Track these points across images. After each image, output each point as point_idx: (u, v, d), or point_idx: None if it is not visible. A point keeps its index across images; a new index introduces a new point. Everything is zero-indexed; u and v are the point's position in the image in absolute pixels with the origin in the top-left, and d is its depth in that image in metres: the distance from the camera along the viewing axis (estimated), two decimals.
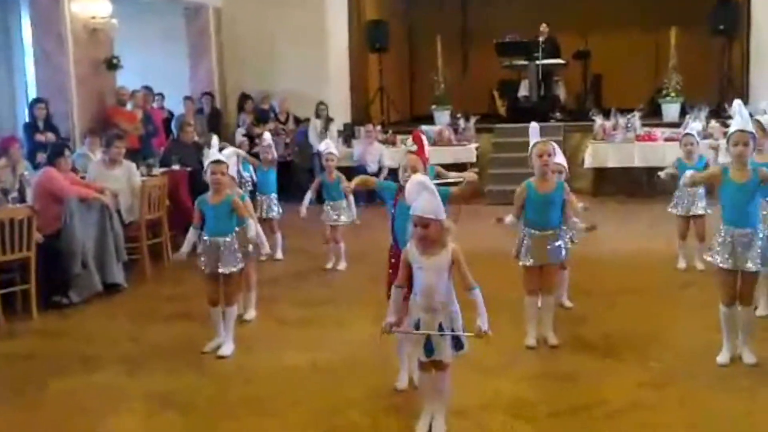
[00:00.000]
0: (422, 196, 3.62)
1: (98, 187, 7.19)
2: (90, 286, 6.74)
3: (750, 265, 4.57)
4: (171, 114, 12.32)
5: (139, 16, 12.27)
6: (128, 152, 8.63)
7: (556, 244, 5.10)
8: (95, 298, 6.76)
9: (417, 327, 3.75)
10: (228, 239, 5.23)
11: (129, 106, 10.87)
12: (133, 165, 7.99)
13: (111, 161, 7.71)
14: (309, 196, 7.54)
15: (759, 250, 4.58)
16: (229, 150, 6.11)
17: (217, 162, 5.23)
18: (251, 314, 6.01)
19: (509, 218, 5.16)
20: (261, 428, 4.11)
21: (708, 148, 7.68)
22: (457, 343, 3.76)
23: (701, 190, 6.91)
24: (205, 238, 5.24)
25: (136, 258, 7.60)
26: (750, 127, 4.65)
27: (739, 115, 4.71)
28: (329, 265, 7.65)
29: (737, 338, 4.73)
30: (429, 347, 3.76)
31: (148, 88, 11.74)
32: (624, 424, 4.00)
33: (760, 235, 4.61)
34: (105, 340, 5.77)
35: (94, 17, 10.38)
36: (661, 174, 7.29)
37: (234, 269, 5.25)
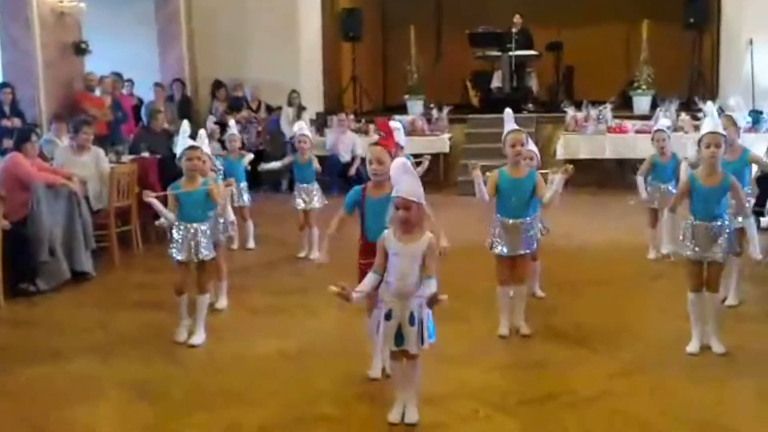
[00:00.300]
0: (404, 178, 3.64)
1: (66, 174, 7.08)
2: (58, 274, 6.63)
3: (713, 255, 4.66)
4: (140, 101, 12.17)
5: (108, 1, 12.07)
6: (96, 138, 8.50)
7: (530, 233, 5.11)
8: (63, 286, 6.65)
9: (388, 318, 3.74)
10: (204, 226, 5.18)
11: (97, 92, 10.72)
12: (102, 151, 7.87)
13: (79, 147, 7.59)
14: (277, 163, 7.85)
15: (724, 241, 4.64)
16: (201, 131, 6.04)
17: (193, 148, 5.18)
18: (223, 303, 5.96)
19: (480, 178, 5.12)
20: (234, 418, 4.07)
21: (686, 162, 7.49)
22: (422, 337, 3.74)
23: (671, 185, 6.98)
24: (180, 224, 5.15)
25: (104, 246, 7.49)
26: (722, 129, 4.68)
27: (711, 117, 4.75)
28: (302, 254, 7.59)
29: (706, 327, 4.78)
30: (399, 337, 3.75)
31: (117, 74, 11.58)
32: (594, 412, 4.02)
33: (727, 224, 4.66)
34: (74, 328, 5.69)
35: (61, 1, 10.20)
36: (631, 201, 7.30)
37: (210, 256, 5.21)
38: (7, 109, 9.24)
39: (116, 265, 7.48)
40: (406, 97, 13.37)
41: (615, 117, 11.62)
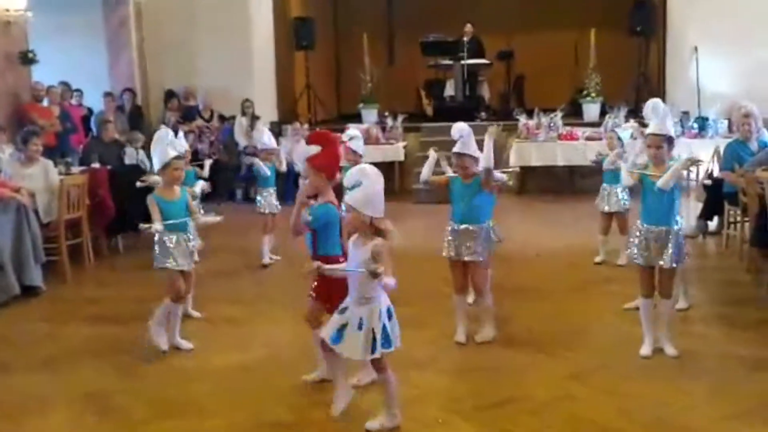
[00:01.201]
0: (357, 187, 3.70)
1: (13, 186, 6.91)
2: (6, 289, 6.47)
3: (663, 262, 4.72)
4: (90, 111, 11.97)
5: (56, 8, 11.82)
6: (45, 150, 8.31)
7: (482, 240, 5.14)
8: (12, 300, 6.50)
9: (341, 311, 3.79)
10: (189, 234, 5.18)
11: (45, 102, 10.51)
12: (51, 163, 7.70)
13: (28, 159, 7.41)
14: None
15: (673, 248, 4.69)
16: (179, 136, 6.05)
17: (179, 157, 5.21)
18: (196, 313, 5.91)
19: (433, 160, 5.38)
20: (190, 429, 4.02)
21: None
22: (374, 347, 3.73)
23: (622, 188, 7.10)
24: (172, 234, 5.08)
25: (55, 259, 7.33)
26: (665, 129, 4.75)
27: (654, 116, 4.81)
28: (266, 260, 7.59)
29: (658, 331, 4.87)
30: (336, 335, 3.77)
31: (65, 84, 11.37)
32: (552, 415, 4.07)
33: (677, 229, 4.73)
34: (23, 342, 5.57)
35: (7, 9, 9.97)
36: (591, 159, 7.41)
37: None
38: None
39: (67, 278, 7.33)
40: (361, 105, 13.39)
41: (565, 124, 11.78)
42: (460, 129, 5.22)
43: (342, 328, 3.78)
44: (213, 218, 5.33)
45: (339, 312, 3.81)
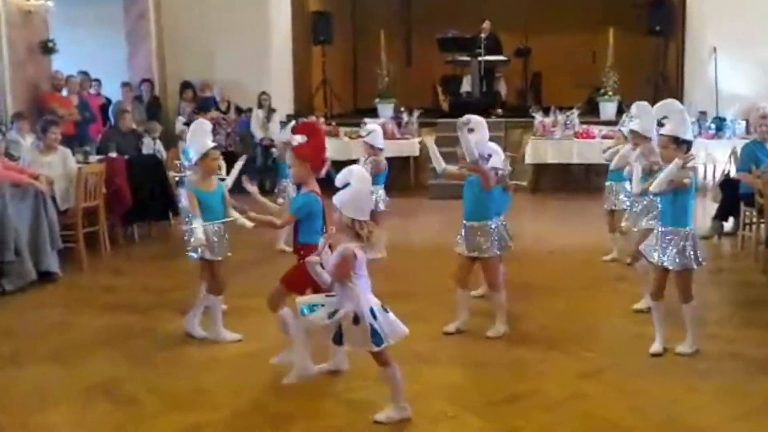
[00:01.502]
0: (345, 188, 3.81)
1: (33, 173, 6.99)
2: (23, 274, 6.55)
3: (668, 263, 4.67)
4: (108, 101, 12.04)
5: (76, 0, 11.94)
6: (64, 138, 8.40)
7: (492, 237, 5.14)
8: (29, 286, 6.57)
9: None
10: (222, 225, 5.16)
11: (64, 92, 10.59)
12: (69, 151, 7.78)
13: (47, 147, 7.50)
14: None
15: (682, 249, 4.62)
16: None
17: (216, 148, 5.28)
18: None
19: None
20: (203, 418, 4.05)
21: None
22: (375, 337, 3.74)
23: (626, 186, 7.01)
24: (211, 224, 5.05)
25: (71, 246, 7.40)
26: (644, 128, 4.68)
27: (640, 116, 4.76)
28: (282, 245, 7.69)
29: (667, 329, 4.84)
30: (338, 336, 3.83)
31: (85, 74, 11.46)
32: (564, 412, 4.07)
33: (688, 231, 4.64)
34: (39, 328, 5.62)
35: (28, 0, 10.06)
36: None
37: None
38: None
39: (83, 266, 7.40)
40: (377, 100, 13.40)
41: (582, 122, 11.75)
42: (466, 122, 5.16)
43: (317, 307, 3.83)
44: (246, 221, 5.24)
45: (327, 295, 3.88)
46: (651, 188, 4.64)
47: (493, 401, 4.20)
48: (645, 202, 5.51)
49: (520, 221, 9.53)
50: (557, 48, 14.70)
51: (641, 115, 5.56)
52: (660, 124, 5.28)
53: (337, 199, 3.79)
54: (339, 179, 3.84)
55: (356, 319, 3.74)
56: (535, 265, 7.21)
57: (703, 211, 9.86)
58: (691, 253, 4.66)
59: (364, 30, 16.07)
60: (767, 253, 6.66)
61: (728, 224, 8.40)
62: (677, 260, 4.64)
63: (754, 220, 7.44)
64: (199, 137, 5.20)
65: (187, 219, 5.85)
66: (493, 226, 5.16)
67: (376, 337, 3.75)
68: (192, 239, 5.05)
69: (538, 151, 11.52)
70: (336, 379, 4.46)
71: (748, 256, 7.44)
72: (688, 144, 4.68)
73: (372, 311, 3.76)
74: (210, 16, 12.74)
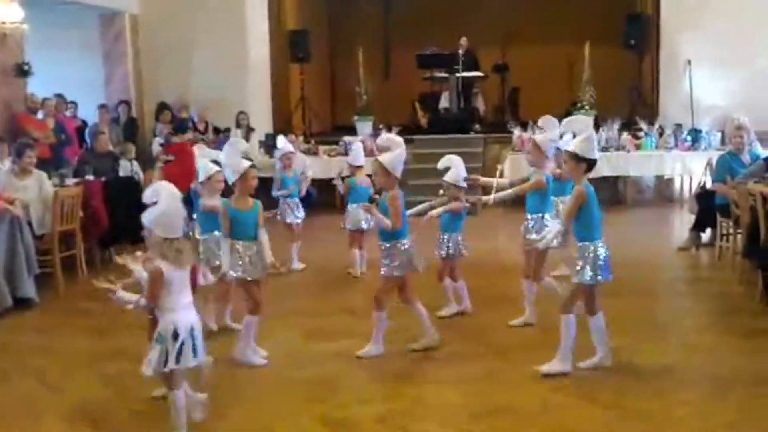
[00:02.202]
0: (153, 206, 3.90)
1: (8, 198, 6.91)
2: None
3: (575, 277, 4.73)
4: (85, 123, 11.99)
5: (52, 21, 11.88)
6: (40, 162, 8.31)
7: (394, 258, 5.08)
8: (5, 312, 6.48)
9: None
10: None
11: (40, 115, 10.52)
12: (45, 175, 7.70)
13: (22, 171, 7.42)
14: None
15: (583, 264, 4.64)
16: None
17: (253, 166, 5.23)
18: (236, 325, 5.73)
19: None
20: None
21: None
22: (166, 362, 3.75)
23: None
24: (246, 243, 5.02)
25: (48, 271, 7.32)
26: (570, 147, 4.67)
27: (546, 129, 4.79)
28: (298, 266, 7.84)
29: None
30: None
31: (60, 96, 11.39)
32: (542, 425, 4.06)
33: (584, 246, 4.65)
34: (15, 354, 5.55)
35: (3, 22, 10.01)
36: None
37: None
38: None
39: (60, 291, 7.32)
40: (356, 118, 13.43)
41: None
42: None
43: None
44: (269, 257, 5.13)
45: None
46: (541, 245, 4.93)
47: (478, 414, 4.18)
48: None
49: (500, 235, 9.57)
50: (534, 63, 14.83)
51: (546, 129, 5.73)
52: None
53: (145, 218, 3.81)
54: (146, 196, 3.85)
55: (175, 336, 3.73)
56: (513, 280, 7.20)
57: (681, 222, 9.95)
58: (590, 267, 4.62)
59: (341, 47, 16.15)
60: (744, 264, 6.70)
61: (706, 235, 8.46)
62: (581, 275, 4.64)
63: (731, 230, 7.49)
64: (235, 157, 5.17)
65: (204, 234, 5.81)
66: (401, 247, 5.05)
67: (178, 355, 3.73)
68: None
69: (517, 166, 11.55)
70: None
71: (725, 267, 7.49)
72: (590, 162, 4.61)
73: (176, 332, 3.73)
74: (187, 36, 12.74)
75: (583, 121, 5.04)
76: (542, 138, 5.63)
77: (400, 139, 5.17)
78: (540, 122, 5.77)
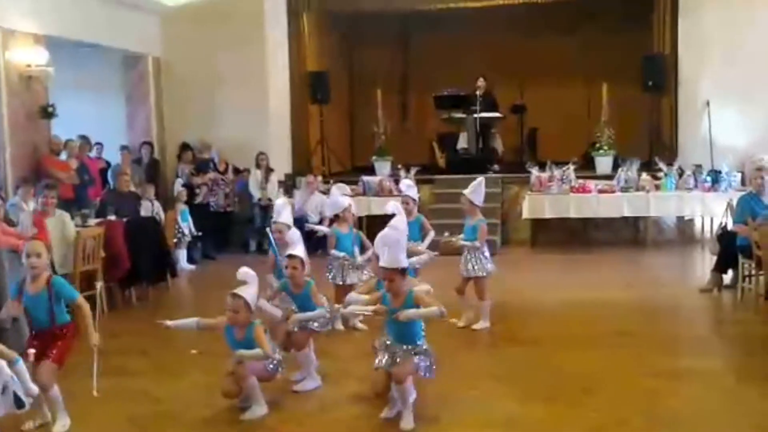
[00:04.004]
0: None
1: (28, 238, 6.98)
2: (20, 341, 6.46)
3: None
4: (109, 164, 12.14)
5: (76, 63, 12.12)
6: (62, 202, 8.43)
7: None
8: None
9: None
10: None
11: (63, 156, 10.67)
12: (67, 215, 7.80)
13: (43, 212, 7.52)
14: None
15: None
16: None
17: (292, 256, 5.51)
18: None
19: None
20: None
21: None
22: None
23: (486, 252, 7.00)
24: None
25: (68, 311, 7.33)
26: (396, 261, 4.67)
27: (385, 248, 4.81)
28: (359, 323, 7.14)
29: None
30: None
31: (84, 138, 11.56)
32: None
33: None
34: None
35: (29, 65, 10.20)
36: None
37: None
38: None
39: (80, 329, 7.33)
40: (374, 158, 13.50)
41: (578, 177, 11.82)
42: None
43: None
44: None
45: None
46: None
47: None
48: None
49: (520, 275, 9.54)
50: (552, 103, 14.87)
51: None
52: None
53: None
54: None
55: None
56: (535, 320, 7.17)
57: (702, 263, 9.86)
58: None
59: (360, 89, 16.29)
60: (767, 305, 6.62)
61: (728, 276, 8.37)
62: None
63: (753, 271, 7.42)
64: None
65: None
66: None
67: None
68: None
69: (535, 206, 11.55)
70: None
71: (748, 308, 7.41)
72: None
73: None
74: (208, 78, 12.93)
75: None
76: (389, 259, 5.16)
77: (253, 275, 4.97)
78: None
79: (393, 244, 4.71)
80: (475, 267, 6.82)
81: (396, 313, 4.58)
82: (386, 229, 4.90)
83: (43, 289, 4.82)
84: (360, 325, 6.79)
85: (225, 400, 5.08)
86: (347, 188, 7.85)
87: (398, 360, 4.62)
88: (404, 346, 4.63)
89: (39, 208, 7.61)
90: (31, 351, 4.54)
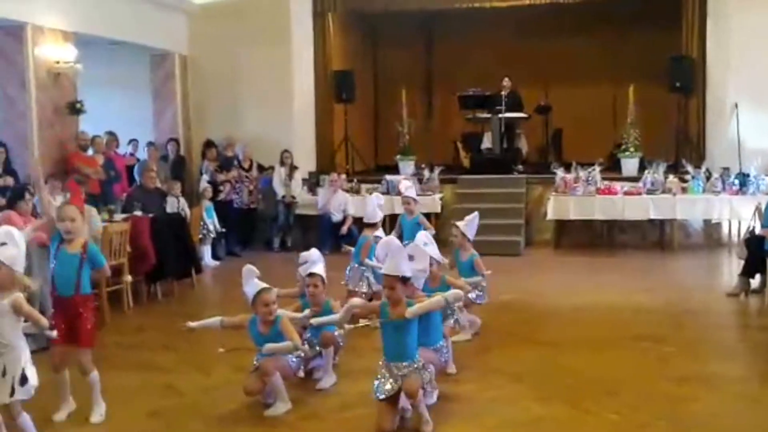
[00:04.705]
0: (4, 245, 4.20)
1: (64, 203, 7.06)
2: (41, 338, 6.55)
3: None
4: (139, 161, 12.25)
5: (103, 60, 12.25)
6: (89, 197, 8.51)
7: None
8: (51, 345, 6.56)
9: None
10: None
11: (90, 152, 10.78)
12: (94, 210, 7.88)
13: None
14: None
15: None
16: None
17: (312, 275, 5.57)
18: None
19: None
20: None
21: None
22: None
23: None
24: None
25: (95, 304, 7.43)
26: (398, 269, 4.61)
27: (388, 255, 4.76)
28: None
29: None
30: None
31: (111, 134, 11.68)
32: None
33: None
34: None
35: (58, 62, 10.32)
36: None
37: None
38: None
39: (106, 323, 7.43)
40: (398, 157, 13.51)
41: (604, 179, 11.74)
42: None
43: None
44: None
45: None
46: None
47: None
48: None
49: (543, 277, 9.51)
50: (578, 104, 14.78)
51: (470, 224, 6.72)
52: None
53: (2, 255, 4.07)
54: None
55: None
56: (558, 322, 7.14)
57: (729, 267, 9.76)
58: None
59: (385, 88, 16.30)
60: None
61: (755, 281, 8.28)
62: None
63: None
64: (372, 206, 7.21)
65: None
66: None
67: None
68: None
69: (560, 207, 11.49)
70: None
71: None
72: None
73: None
74: (234, 76, 13.02)
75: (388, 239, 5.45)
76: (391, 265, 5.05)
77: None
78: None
79: (396, 251, 4.67)
80: (476, 295, 6.58)
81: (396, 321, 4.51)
82: (391, 236, 5.00)
83: (78, 252, 4.89)
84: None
85: (249, 396, 5.11)
86: (382, 198, 7.70)
87: (404, 376, 4.52)
88: (404, 364, 4.53)
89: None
90: (54, 332, 4.59)
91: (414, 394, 4.47)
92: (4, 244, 4.10)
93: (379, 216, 7.41)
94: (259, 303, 4.98)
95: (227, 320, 5.13)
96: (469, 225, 6.74)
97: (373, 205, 7.48)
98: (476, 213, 6.91)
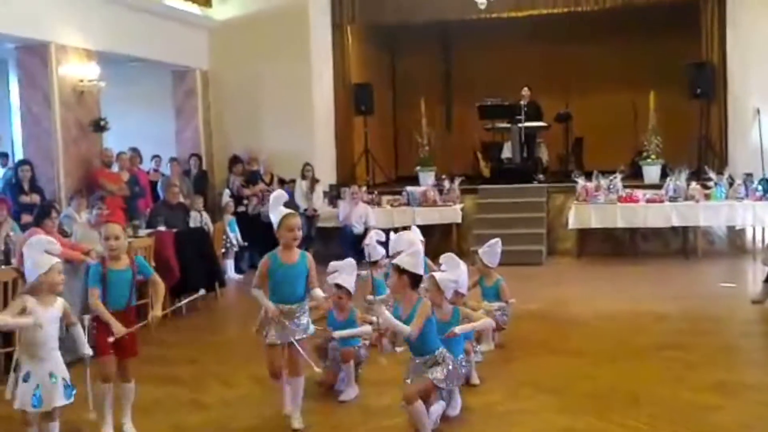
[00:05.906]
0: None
1: (84, 249, 7.17)
2: (74, 349, 6.63)
3: None
4: (163, 176, 12.39)
5: (125, 78, 12.42)
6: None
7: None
8: (79, 361, 6.65)
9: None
10: None
11: (115, 168, 10.92)
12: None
13: (96, 222, 7.71)
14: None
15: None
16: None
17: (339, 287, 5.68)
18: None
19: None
20: None
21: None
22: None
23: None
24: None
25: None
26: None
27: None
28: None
29: None
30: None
31: (135, 150, 11.82)
32: None
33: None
34: (82, 400, 5.68)
35: (81, 80, 10.48)
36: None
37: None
38: (26, 185, 9.42)
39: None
40: (418, 168, 13.55)
41: (625, 186, 11.69)
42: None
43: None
44: None
45: None
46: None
47: None
48: None
49: (565, 287, 9.47)
50: (598, 112, 14.76)
51: (448, 269, 5.39)
52: None
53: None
54: None
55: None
56: (581, 332, 7.12)
57: (754, 274, 9.67)
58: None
59: (404, 99, 16.36)
60: None
61: None
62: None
63: None
64: (378, 247, 6.61)
65: None
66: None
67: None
68: None
69: (582, 216, 11.45)
70: None
71: None
72: (417, 277, 4.71)
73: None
74: (255, 90, 13.14)
75: (408, 239, 5.61)
76: (442, 276, 5.19)
77: None
78: (442, 260, 5.52)
79: (416, 252, 4.79)
80: (501, 318, 6.53)
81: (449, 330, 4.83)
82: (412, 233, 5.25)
83: (128, 267, 5.02)
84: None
85: (272, 410, 5.15)
86: (383, 235, 7.24)
87: (413, 377, 4.54)
88: (421, 358, 4.57)
89: (92, 220, 7.80)
90: (111, 339, 4.79)
91: (409, 400, 4.44)
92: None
93: (380, 253, 6.92)
94: (283, 228, 5.00)
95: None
96: (486, 252, 6.62)
97: (374, 243, 6.92)
98: (498, 239, 6.64)
